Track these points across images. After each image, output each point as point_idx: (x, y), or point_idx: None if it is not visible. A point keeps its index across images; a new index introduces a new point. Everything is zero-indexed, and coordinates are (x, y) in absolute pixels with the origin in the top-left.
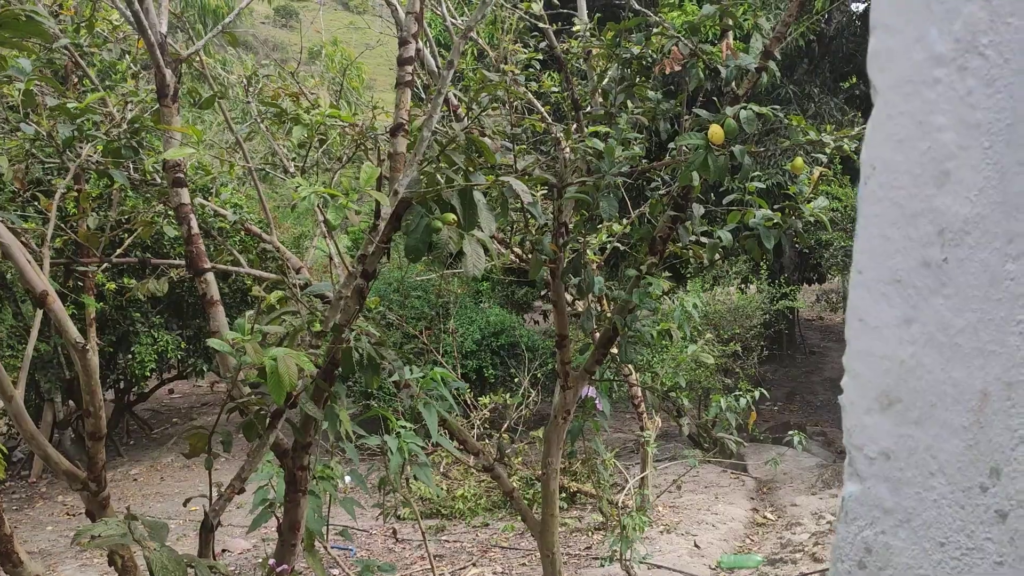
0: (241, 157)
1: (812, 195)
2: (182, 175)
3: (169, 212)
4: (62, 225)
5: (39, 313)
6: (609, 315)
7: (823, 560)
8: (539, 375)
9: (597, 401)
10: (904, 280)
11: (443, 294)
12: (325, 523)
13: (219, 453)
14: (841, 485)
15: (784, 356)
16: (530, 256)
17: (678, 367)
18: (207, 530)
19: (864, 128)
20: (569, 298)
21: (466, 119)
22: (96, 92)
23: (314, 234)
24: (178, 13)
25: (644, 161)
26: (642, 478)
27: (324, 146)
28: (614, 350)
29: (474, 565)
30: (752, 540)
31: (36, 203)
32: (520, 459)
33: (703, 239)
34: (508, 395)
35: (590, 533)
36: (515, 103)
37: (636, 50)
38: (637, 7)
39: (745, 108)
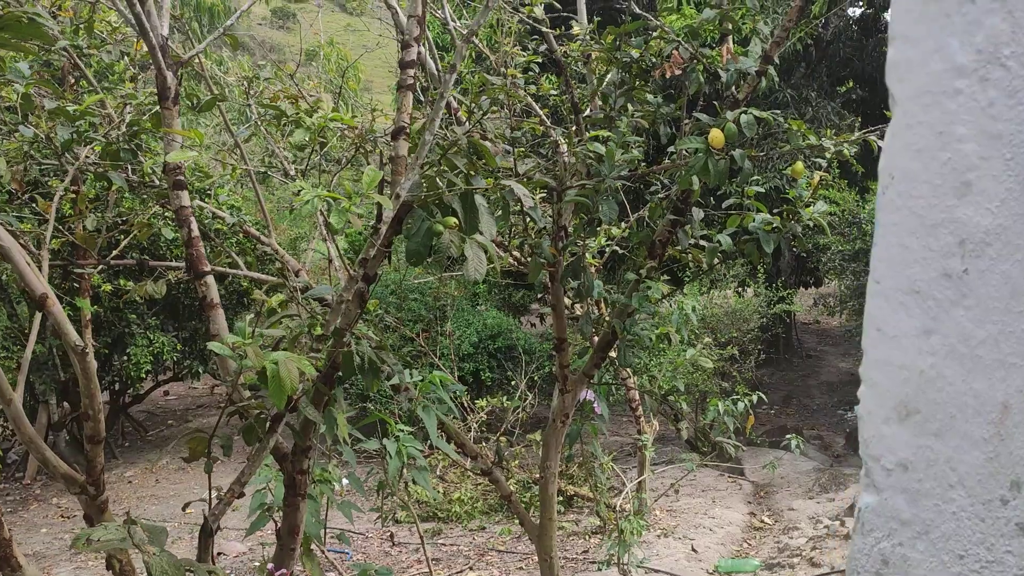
0: (239, 159)
1: (811, 199)
2: (182, 178)
3: (166, 214)
4: (59, 227)
5: (38, 315)
6: (607, 319)
7: (821, 565)
8: (536, 378)
9: (595, 405)
10: (923, 291)
11: (440, 297)
12: (323, 527)
13: (219, 457)
14: (838, 489)
15: (781, 360)
16: (529, 259)
17: (676, 371)
18: (206, 534)
19: (864, 133)
20: (568, 301)
21: (467, 122)
22: (94, 94)
23: (312, 236)
24: (178, 16)
25: (643, 165)
26: (640, 482)
27: (324, 149)
28: (612, 354)
29: (471, 569)
30: (750, 544)
31: (34, 205)
32: (517, 462)
33: (702, 243)
34: (505, 398)
35: (587, 537)
36: (515, 106)
37: (636, 54)
38: (637, 11)
39: (745, 112)
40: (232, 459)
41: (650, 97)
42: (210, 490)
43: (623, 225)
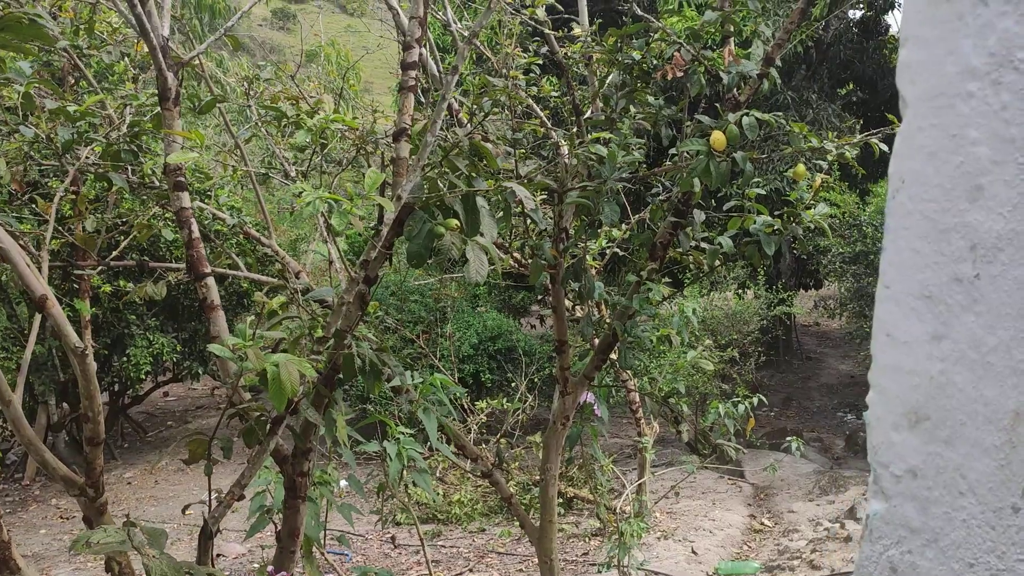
0: (239, 160)
1: (812, 202)
2: (183, 179)
3: (166, 215)
4: (59, 227)
5: (37, 316)
6: (608, 321)
7: (821, 567)
8: (536, 380)
9: (596, 407)
10: (934, 295)
11: (441, 298)
12: (323, 529)
13: (219, 459)
14: (838, 492)
15: (781, 362)
16: (529, 261)
17: (676, 373)
18: (206, 537)
19: (866, 136)
20: (568, 303)
21: (468, 124)
22: (94, 94)
23: (312, 238)
24: (178, 16)
25: (644, 167)
26: (640, 484)
27: (325, 150)
28: (613, 356)
29: (471, 571)
30: (750, 547)
31: (33, 205)
32: (517, 464)
33: (703, 245)
34: (505, 400)
35: (587, 539)
36: (516, 108)
37: (637, 56)
38: (639, 13)
39: (747, 114)
40: (232, 461)
41: (651, 99)
42: (210, 492)
43: (624, 227)
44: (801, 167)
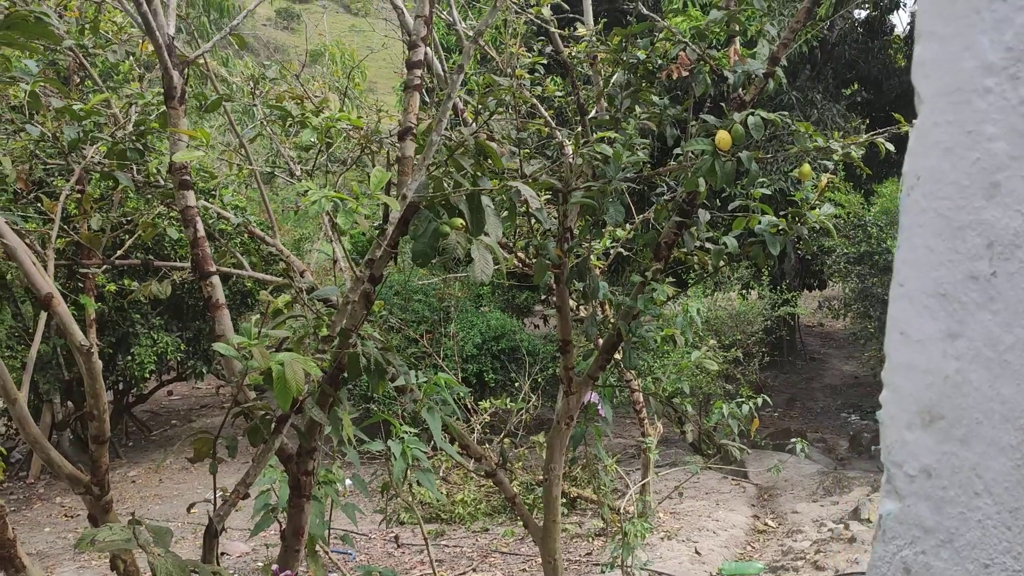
0: (244, 159)
1: (818, 202)
2: (188, 178)
3: (171, 214)
4: (64, 226)
5: (43, 315)
6: (612, 321)
7: (825, 568)
8: (539, 379)
9: (600, 407)
10: (949, 293)
11: (444, 298)
12: (327, 528)
13: (224, 458)
14: (842, 492)
15: (785, 362)
16: (534, 261)
17: (680, 373)
18: (211, 535)
19: (873, 135)
20: (572, 303)
21: (473, 123)
22: (100, 93)
23: (315, 237)
24: (183, 15)
25: (649, 166)
26: (643, 484)
27: (331, 149)
28: (617, 356)
29: (474, 570)
30: (753, 547)
31: (39, 204)
32: (521, 464)
33: (708, 245)
34: (509, 399)
35: (591, 539)
36: (520, 108)
37: (642, 55)
38: (645, 12)
39: (752, 114)
40: (236, 460)
41: (656, 99)
42: (215, 491)
43: (628, 227)
44: (807, 167)
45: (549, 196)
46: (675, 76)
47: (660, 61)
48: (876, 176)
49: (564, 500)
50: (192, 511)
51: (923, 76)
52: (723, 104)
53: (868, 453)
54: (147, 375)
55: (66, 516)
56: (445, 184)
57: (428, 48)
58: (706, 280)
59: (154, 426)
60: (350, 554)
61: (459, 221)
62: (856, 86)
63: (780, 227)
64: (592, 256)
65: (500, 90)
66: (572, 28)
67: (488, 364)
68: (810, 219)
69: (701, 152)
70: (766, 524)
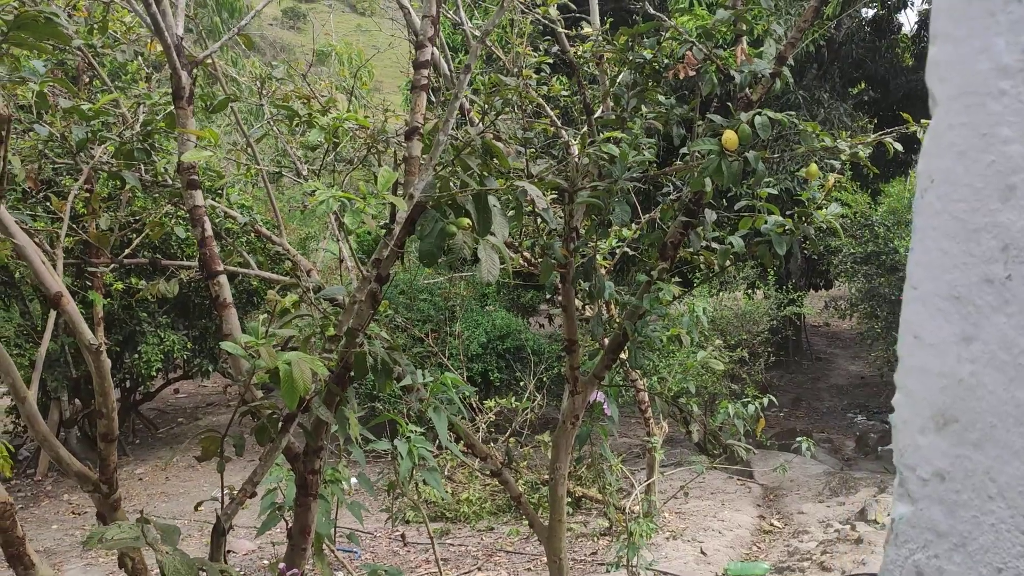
0: (251, 158)
1: (824, 201)
2: (196, 177)
3: (178, 213)
4: (73, 225)
5: (52, 314)
6: (618, 320)
7: (832, 569)
8: (545, 379)
9: (605, 406)
10: (963, 296)
11: (450, 297)
12: (333, 526)
13: (231, 456)
14: (849, 493)
15: (791, 362)
16: (539, 260)
17: (686, 373)
18: (219, 534)
19: (881, 135)
20: (578, 303)
21: (480, 123)
22: (108, 93)
23: (322, 236)
24: (192, 16)
25: (655, 166)
26: (649, 484)
27: (337, 149)
28: (623, 355)
29: (479, 569)
30: (759, 548)
31: (48, 203)
32: (526, 463)
33: (714, 245)
34: (514, 399)
35: (596, 538)
36: (526, 107)
37: (648, 55)
38: (651, 11)
39: (759, 114)
40: (243, 458)
41: (663, 98)
42: (222, 489)
43: (634, 226)
44: (814, 167)
45: (555, 196)
46: (681, 76)
47: (666, 61)
48: (883, 175)
49: (569, 499)
50: (199, 509)
51: (938, 78)
52: (730, 104)
53: (875, 453)
54: (154, 373)
55: (73, 513)
56: (452, 184)
57: (435, 48)
58: (712, 280)
59: (161, 424)
60: (356, 552)
61: (466, 221)
62: (863, 85)
63: (786, 227)
64: (598, 256)
65: (506, 90)
66: (578, 28)
67: (493, 363)
68: (817, 219)
69: (707, 152)
70: (772, 524)
